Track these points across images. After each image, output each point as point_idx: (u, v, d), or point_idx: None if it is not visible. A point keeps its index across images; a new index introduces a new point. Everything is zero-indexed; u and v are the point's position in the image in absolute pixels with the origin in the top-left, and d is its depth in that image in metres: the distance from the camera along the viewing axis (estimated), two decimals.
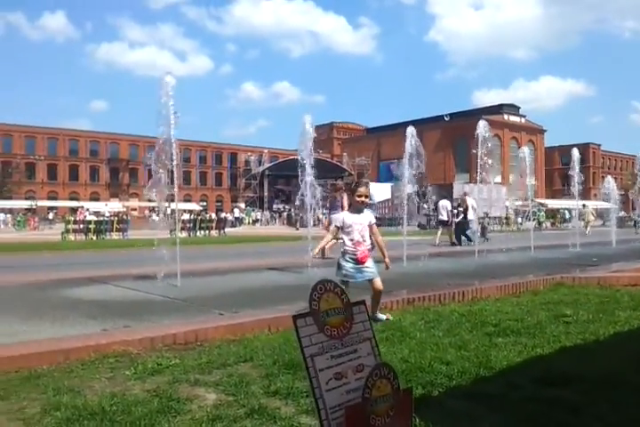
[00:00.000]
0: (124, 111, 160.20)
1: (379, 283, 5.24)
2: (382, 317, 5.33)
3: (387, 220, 37.71)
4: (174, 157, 7.92)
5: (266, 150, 78.19)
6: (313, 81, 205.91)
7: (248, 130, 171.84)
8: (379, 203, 43.13)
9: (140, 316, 5.59)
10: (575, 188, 15.15)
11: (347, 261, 5.20)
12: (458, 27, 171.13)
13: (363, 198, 5.32)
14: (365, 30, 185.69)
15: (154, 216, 43.44)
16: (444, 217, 18.03)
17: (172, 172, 8.10)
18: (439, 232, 18.06)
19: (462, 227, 17.43)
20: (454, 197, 40.38)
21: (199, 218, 32.32)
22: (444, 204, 18.58)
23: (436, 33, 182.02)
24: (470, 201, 17.39)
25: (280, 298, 6.36)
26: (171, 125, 8.06)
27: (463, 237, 17.52)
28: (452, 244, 17.41)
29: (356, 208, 5.38)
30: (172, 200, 9.12)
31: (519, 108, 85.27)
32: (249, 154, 79.93)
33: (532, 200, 20.00)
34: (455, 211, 18.52)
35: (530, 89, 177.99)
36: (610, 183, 18.83)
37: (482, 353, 3.95)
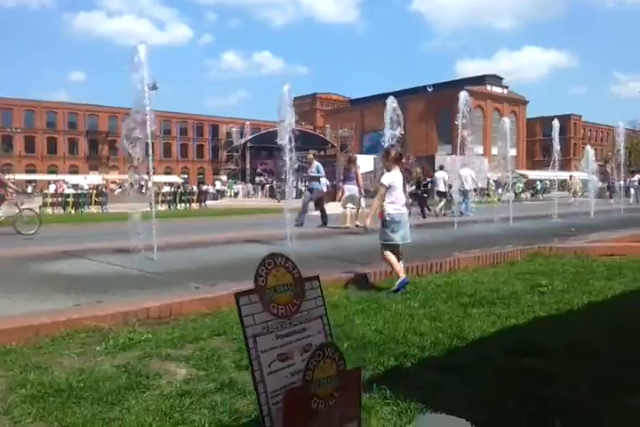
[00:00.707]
0: (103, 82, 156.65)
1: None
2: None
3: (371, 192, 37.75)
4: (149, 129, 7.70)
5: (248, 122, 76.96)
6: (295, 51, 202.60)
7: (229, 101, 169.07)
8: (363, 174, 43.01)
9: (114, 290, 5.51)
10: (554, 158, 15.18)
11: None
12: None
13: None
14: None
15: (117, 190, 42.67)
16: (441, 188, 18.68)
17: (148, 144, 7.90)
18: (441, 203, 18.72)
19: (422, 199, 17.98)
20: (436, 168, 40.44)
21: (179, 191, 31.98)
22: (442, 175, 19.05)
23: (420, 2, 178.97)
24: (468, 171, 17.74)
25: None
26: (145, 96, 7.82)
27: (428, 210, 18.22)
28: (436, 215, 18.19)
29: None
30: (152, 173, 8.92)
31: (502, 78, 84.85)
32: (230, 125, 78.69)
33: (513, 171, 20.04)
34: (411, 183, 18.10)
35: (513, 59, 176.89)
36: (588, 153, 18.87)
37: (456, 324, 3.95)
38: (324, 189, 14.06)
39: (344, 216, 13.04)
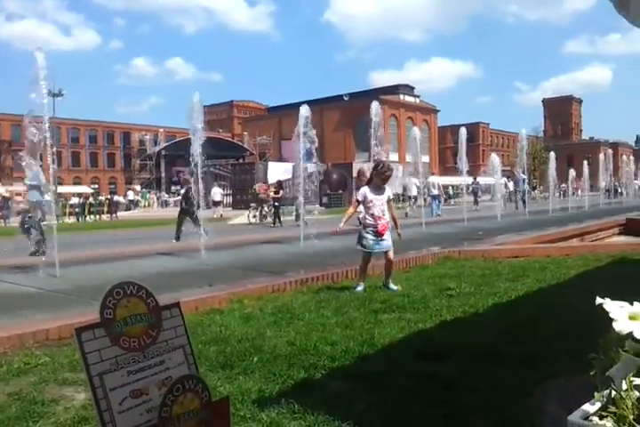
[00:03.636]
0: (4, 89, 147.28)
1: (391, 254, 6.00)
2: (394, 287, 5.81)
3: (288, 200, 37.72)
4: (47, 137, 7.33)
5: (162, 129, 75.12)
6: (208, 58, 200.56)
7: (141, 107, 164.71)
8: (282, 182, 43.01)
9: (11, 311, 5.19)
10: (463, 164, 15.88)
11: (367, 233, 5.87)
12: (352, 8, 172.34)
13: (385, 181, 6.05)
14: (262, 7, 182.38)
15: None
16: (414, 193, 21.53)
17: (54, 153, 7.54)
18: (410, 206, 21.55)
19: (188, 216, 12.98)
20: (353, 175, 41.21)
21: (88, 202, 30.58)
22: (414, 180, 21.58)
23: (332, 14, 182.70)
24: (436, 179, 21.53)
25: (167, 285, 6.10)
26: (43, 102, 7.48)
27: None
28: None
29: (377, 187, 5.99)
30: (59, 184, 8.49)
31: (414, 88, 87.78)
32: (143, 133, 76.42)
33: (427, 177, 21.15)
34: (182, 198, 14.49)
35: (422, 70, 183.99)
36: (494, 160, 19.93)
37: (366, 331, 4.00)
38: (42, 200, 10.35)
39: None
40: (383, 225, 5.86)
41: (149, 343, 1.52)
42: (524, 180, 23.20)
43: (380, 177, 6.00)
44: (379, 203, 5.90)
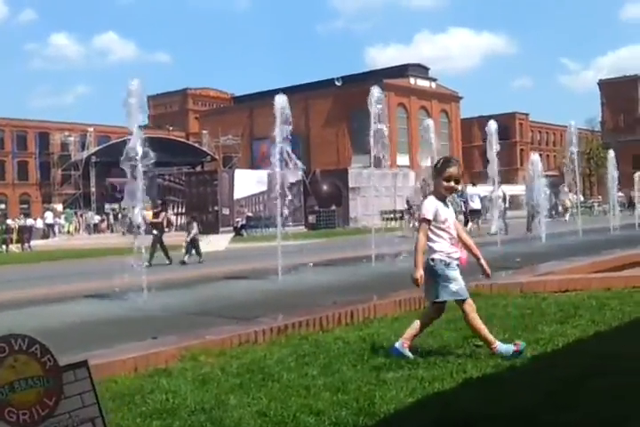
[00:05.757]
0: None
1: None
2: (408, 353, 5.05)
3: (263, 219, 37.66)
4: None
5: (91, 128, 75.29)
6: (153, 33, 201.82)
7: (63, 99, 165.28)
8: (252, 197, 43.13)
9: None
10: (494, 169, 15.97)
11: (453, 269, 5.06)
12: None
13: (452, 183, 5.17)
14: None
15: None
16: (477, 206, 24.09)
17: None
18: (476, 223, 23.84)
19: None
20: (350, 185, 41.39)
21: None
22: (476, 191, 24.94)
23: None
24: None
25: (93, 339, 6.11)
26: None
27: None
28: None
29: (442, 196, 5.23)
30: None
31: (428, 69, 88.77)
32: (66, 133, 76.61)
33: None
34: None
35: (437, 44, 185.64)
36: (535, 163, 19.97)
37: (364, 395, 3.99)
38: None
39: None
40: (463, 254, 5.20)
41: (45, 416, 1.49)
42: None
43: (442, 178, 5.15)
44: (452, 221, 5.24)
